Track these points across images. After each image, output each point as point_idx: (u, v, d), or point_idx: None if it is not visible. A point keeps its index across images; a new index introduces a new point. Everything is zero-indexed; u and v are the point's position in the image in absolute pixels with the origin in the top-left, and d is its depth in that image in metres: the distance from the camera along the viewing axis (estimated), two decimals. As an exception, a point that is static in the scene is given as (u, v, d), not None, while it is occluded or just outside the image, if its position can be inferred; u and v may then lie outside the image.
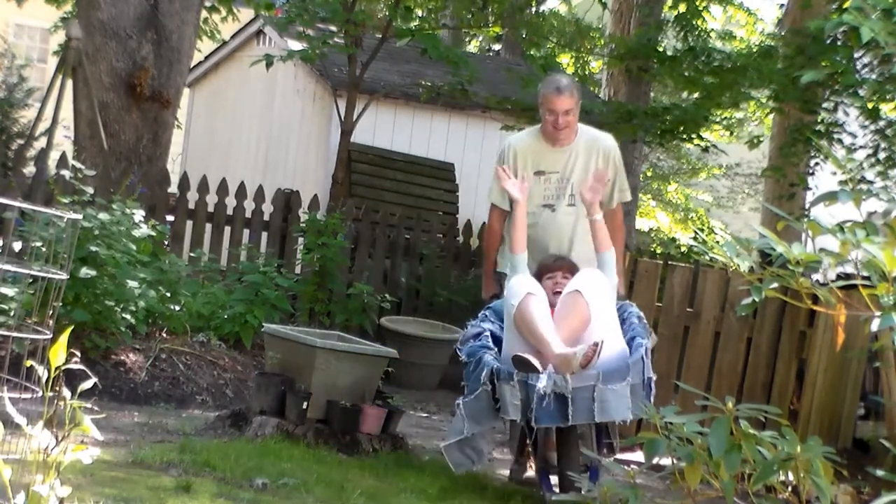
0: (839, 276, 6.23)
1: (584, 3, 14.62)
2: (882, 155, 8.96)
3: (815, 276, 7.71)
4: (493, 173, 5.63)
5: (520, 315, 5.03)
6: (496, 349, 5.18)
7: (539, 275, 5.35)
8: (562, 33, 16.48)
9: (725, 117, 12.27)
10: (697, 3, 11.03)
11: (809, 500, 3.29)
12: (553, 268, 5.36)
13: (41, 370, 3.18)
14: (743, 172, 18.09)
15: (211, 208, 9.35)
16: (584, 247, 5.50)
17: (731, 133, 12.63)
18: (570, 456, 5.05)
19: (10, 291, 6.17)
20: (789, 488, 3.31)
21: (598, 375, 4.85)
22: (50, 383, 3.17)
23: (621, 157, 5.80)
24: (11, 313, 5.85)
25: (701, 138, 10.79)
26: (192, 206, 9.28)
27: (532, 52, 13.70)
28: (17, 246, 5.44)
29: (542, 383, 4.80)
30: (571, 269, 5.34)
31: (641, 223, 17.75)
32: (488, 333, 5.30)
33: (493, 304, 5.59)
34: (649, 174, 18.33)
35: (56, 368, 3.17)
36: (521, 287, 5.11)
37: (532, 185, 5.53)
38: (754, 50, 11.05)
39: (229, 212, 9.37)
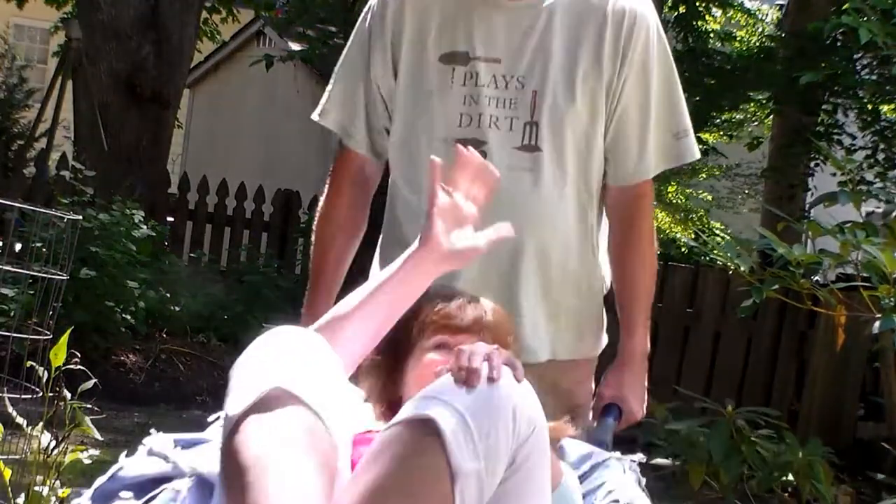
0: (839, 277, 6.23)
1: (584, 3, 14.60)
2: (881, 156, 8.96)
3: (815, 277, 7.72)
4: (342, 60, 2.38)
5: (229, 464, 1.52)
6: None
7: (407, 326, 1.89)
8: (562, 34, 16.46)
9: (725, 120, 12.26)
10: (698, 4, 11.02)
11: (809, 501, 3.29)
12: (453, 315, 1.90)
13: (41, 371, 3.18)
14: (743, 173, 18.09)
15: (211, 209, 9.35)
16: (557, 257, 2.24)
17: (731, 138, 12.63)
18: None
19: (10, 292, 6.17)
20: (789, 489, 3.31)
21: None
22: (50, 384, 3.17)
23: (668, 51, 2.33)
24: (12, 314, 5.85)
25: (700, 141, 10.79)
26: (192, 206, 9.29)
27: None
28: (18, 247, 5.44)
29: None
30: (499, 328, 1.90)
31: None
32: (184, 490, 1.69)
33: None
34: (649, 175, 18.35)
35: (56, 369, 3.17)
36: (264, 375, 1.59)
37: (438, 84, 2.25)
38: (754, 51, 11.05)
39: (229, 212, 9.37)
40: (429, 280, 1.81)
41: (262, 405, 1.51)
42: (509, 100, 2.22)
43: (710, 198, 19.51)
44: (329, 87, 2.38)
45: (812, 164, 10.03)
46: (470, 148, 1.87)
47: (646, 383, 2.31)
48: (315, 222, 2.43)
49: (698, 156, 2.31)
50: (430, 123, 2.23)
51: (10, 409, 3.20)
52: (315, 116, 2.37)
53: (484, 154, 2.08)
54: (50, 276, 3.79)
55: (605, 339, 2.38)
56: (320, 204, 2.43)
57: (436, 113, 2.23)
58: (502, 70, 2.23)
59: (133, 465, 1.78)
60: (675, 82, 2.32)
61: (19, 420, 3.17)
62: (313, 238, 2.44)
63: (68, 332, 3.36)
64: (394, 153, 2.31)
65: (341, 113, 2.35)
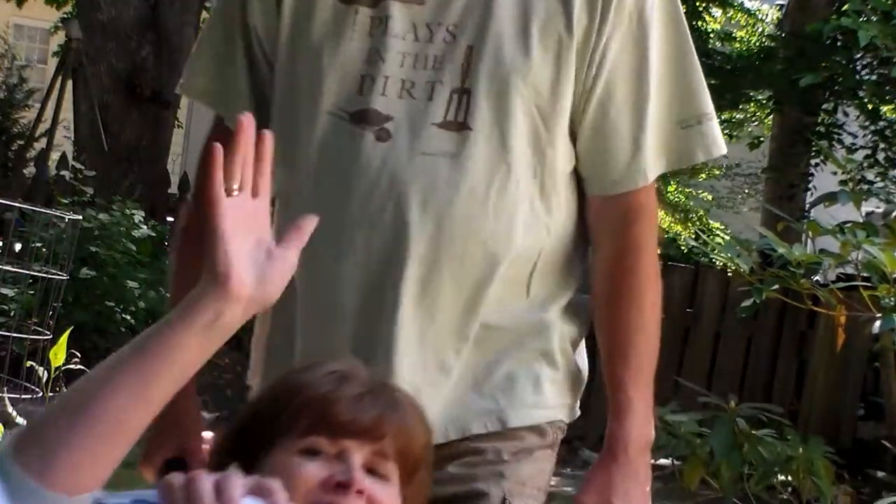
0: (839, 277, 6.24)
1: (584, 3, 14.60)
2: (881, 156, 8.97)
3: (816, 277, 7.71)
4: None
5: None
6: None
7: (268, 411, 1.29)
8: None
9: (726, 119, 12.28)
10: (698, 4, 11.03)
11: (809, 500, 3.28)
12: (342, 411, 1.24)
13: (41, 371, 3.19)
14: (743, 172, 18.12)
15: (211, 209, 9.37)
16: (492, 291, 1.54)
17: (731, 138, 12.65)
18: None
19: (10, 292, 6.18)
20: (789, 489, 3.31)
21: None
22: (50, 384, 3.17)
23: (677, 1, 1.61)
24: (12, 314, 5.85)
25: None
26: (192, 206, 9.30)
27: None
28: (18, 247, 5.44)
29: None
30: (411, 434, 1.28)
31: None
32: None
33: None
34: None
35: (56, 369, 3.17)
36: None
37: (330, 32, 1.55)
38: (754, 51, 11.06)
39: (229, 212, 9.39)
40: (218, 343, 1.13)
41: None
42: (433, 58, 1.51)
43: (710, 198, 19.54)
44: (194, 49, 1.73)
45: (812, 164, 10.04)
46: (249, 116, 1.17)
47: (647, 488, 1.58)
48: (177, 240, 1.68)
49: (723, 150, 1.60)
50: (315, 88, 1.53)
51: (10, 409, 3.21)
52: (178, 90, 1.75)
53: (387, 133, 1.50)
54: (50, 276, 3.79)
55: (570, 405, 1.64)
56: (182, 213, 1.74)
57: (325, 73, 1.53)
58: (426, 16, 1.53)
59: None
60: (685, 45, 1.60)
61: (19, 420, 3.17)
62: (172, 259, 1.78)
63: (68, 332, 3.36)
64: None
65: (213, 79, 1.67)
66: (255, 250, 1.15)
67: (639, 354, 1.58)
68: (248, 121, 1.16)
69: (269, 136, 1.17)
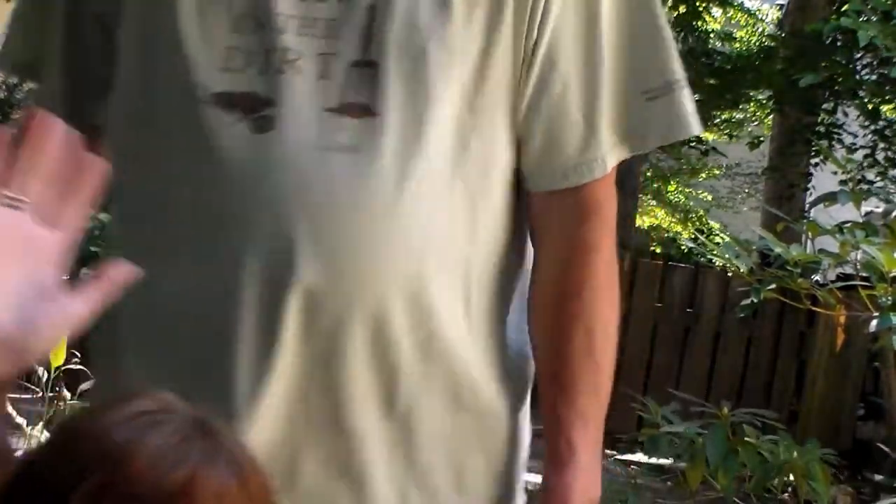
0: (839, 277, 6.25)
1: (584, 3, 14.60)
2: (881, 155, 8.97)
3: (815, 277, 7.71)
4: None
5: None
6: None
7: (41, 477, 0.84)
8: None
9: (725, 119, 12.29)
10: (698, 4, 11.03)
11: (809, 500, 3.29)
12: (136, 476, 0.83)
13: (41, 371, 3.19)
14: (743, 172, 18.13)
15: (211, 209, 9.39)
16: (410, 328, 1.16)
17: (731, 138, 12.67)
18: None
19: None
20: (789, 489, 3.32)
21: None
22: (50, 384, 3.17)
23: None
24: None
25: (700, 141, 10.80)
26: (192, 206, 9.32)
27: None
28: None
29: None
30: (227, 493, 0.86)
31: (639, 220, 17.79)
32: None
33: None
34: (649, 174, 18.38)
35: (56, 369, 3.17)
36: None
37: None
38: (754, 51, 11.07)
39: (229, 212, 9.42)
40: None
41: None
42: (325, 22, 1.15)
43: (710, 198, 19.55)
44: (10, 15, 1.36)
45: (812, 164, 10.05)
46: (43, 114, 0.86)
47: None
48: None
49: (697, 128, 1.25)
50: (173, 62, 1.16)
51: (10, 409, 3.21)
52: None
53: (268, 122, 1.13)
54: (50, 277, 3.79)
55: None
56: None
57: (186, 44, 1.16)
58: None
59: None
60: (657, 12, 1.26)
61: (19, 420, 3.18)
62: None
63: (68, 331, 3.36)
64: (111, 123, 1.24)
65: (25, 48, 1.32)
66: (19, 283, 0.82)
67: (585, 389, 1.22)
68: (49, 121, 0.86)
69: (102, 166, 0.86)
